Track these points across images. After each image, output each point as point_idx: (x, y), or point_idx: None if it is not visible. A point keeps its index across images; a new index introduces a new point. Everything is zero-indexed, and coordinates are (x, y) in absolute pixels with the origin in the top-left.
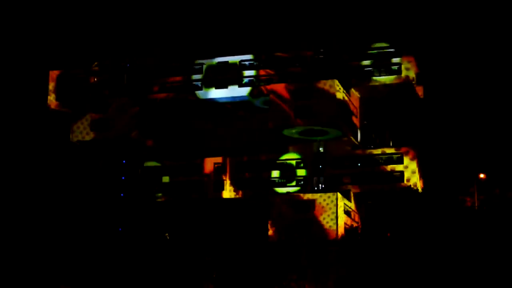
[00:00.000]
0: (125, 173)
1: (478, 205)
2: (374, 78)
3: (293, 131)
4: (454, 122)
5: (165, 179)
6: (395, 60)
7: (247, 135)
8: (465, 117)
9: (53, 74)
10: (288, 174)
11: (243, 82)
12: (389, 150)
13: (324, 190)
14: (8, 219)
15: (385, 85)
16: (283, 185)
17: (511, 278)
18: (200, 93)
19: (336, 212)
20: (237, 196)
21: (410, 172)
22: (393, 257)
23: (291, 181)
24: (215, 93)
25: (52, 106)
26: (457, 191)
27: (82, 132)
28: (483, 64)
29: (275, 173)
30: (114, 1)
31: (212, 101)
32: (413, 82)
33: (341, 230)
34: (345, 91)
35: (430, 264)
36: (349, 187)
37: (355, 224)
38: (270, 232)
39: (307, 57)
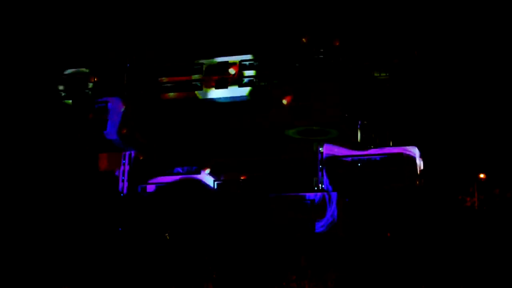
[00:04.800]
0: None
1: (478, 205)
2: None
3: (293, 131)
4: (454, 122)
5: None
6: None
7: (247, 135)
8: (465, 117)
9: None
10: (288, 173)
11: (243, 82)
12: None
13: (324, 190)
14: (10, 220)
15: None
16: (283, 184)
17: (511, 277)
18: (200, 93)
19: (336, 211)
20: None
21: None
22: (393, 257)
23: (291, 181)
24: (215, 94)
25: None
26: (457, 191)
27: (82, 131)
28: (483, 64)
29: (275, 173)
30: (114, 1)
31: (213, 101)
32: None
33: (341, 230)
34: (345, 91)
35: (430, 264)
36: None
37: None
38: (271, 232)
39: (308, 57)
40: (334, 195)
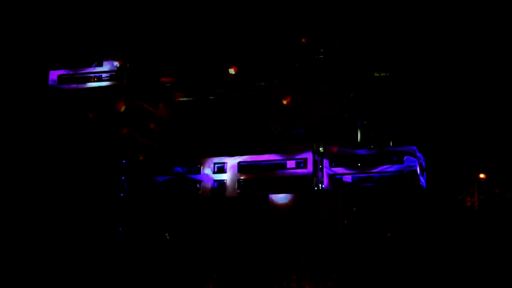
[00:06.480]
0: (125, 172)
1: (478, 205)
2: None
3: (293, 131)
4: (454, 122)
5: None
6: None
7: (247, 135)
8: (465, 117)
9: None
10: (288, 174)
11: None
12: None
13: (324, 190)
14: (10, 220)
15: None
16: (283, 184)
17: (511, 277)
18: None
19: (337, 212)
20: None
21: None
22: (393, 257)
23: (291, 181)
24: None
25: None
26: (457, 191)
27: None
28: (483, 64)
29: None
30: (114, 2)
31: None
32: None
33: (341, 230)
34: (345, 91)
35: (430, 264)
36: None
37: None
38: (270, 232)
39: (308, 57)
40: None
